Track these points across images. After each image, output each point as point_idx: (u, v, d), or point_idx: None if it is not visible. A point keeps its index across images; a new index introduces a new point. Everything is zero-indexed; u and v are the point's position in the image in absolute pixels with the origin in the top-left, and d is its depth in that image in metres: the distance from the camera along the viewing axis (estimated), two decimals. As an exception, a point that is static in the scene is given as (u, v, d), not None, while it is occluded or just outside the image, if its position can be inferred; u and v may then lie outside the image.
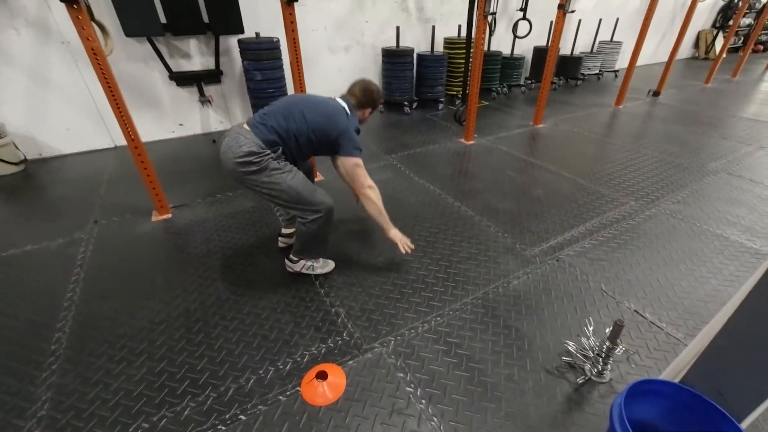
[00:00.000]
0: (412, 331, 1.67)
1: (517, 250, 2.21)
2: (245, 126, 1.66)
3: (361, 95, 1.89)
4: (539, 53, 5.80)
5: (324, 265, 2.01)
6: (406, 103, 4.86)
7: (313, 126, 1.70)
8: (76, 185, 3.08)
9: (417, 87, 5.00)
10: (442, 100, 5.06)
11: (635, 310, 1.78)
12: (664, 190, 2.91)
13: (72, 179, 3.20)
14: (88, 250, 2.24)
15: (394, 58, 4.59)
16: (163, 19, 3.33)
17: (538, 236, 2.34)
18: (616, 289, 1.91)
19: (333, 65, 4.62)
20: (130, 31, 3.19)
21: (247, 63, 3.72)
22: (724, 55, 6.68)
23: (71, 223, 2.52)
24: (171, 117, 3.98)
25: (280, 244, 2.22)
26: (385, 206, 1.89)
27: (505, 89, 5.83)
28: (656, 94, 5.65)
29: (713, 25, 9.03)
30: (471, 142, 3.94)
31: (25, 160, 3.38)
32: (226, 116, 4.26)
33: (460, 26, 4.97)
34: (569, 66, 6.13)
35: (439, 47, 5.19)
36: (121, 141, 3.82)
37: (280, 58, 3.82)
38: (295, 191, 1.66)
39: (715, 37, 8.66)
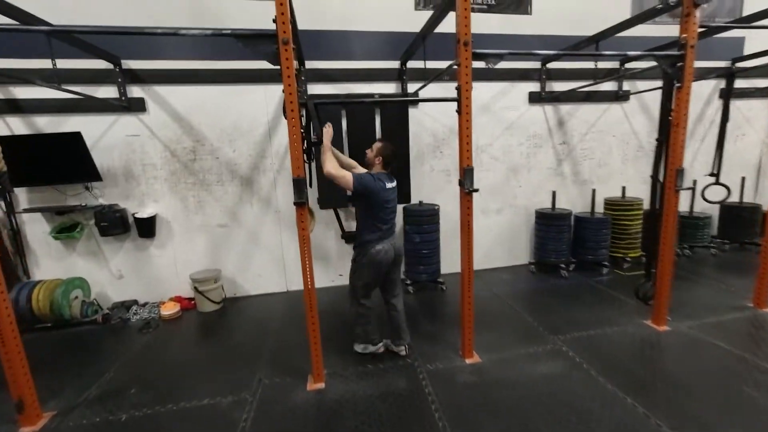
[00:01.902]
0: None
1: None
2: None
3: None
4: (730, 210, 4.85)
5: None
6: (562, 265, 4.41)
7: None
8: (255, 329, 3.50)
9: (574, 248, 4.56)
10: (606, 264, 4.42)
11: None
12: None
13: (253, 320, 3.69)
14: (249, 417, 2.29)
15: (549, 221, 4.42)
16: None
17: None
18: None
19: (484, 225, 4.70)
20: (323, 205, 3.98)
21: (409, 227, 4.08)
22: None
23: (242, 376, 2.72)
24: (334, 268, 4.49)
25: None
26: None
27: (687, 251, 4.82)
28: None
29: None
30: (664, 329, 3.09)
31: (224, 299, 4.15)
32: (378, 269, 4.58)
33: (624, 188, 4.63)
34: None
35: (598, 206, 4.84)
36: (293, 287, 4.41)
37: (438, 223, 4.09)
38: None
39: None
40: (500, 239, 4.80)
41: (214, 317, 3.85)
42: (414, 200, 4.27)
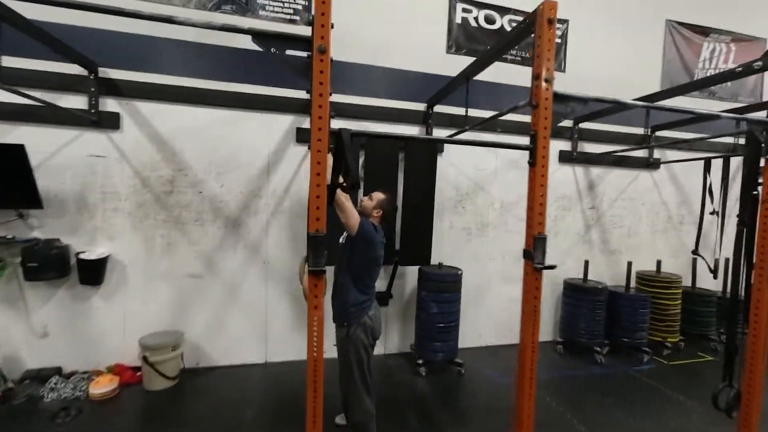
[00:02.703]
0: None
1: None
2: None
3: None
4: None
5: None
6: (597, 348, 3.76)
7: None
8: (221, 419, 2.57)
9: (608, 328, 3.96)
10: (647, 350, 3.82)
11: None
12: None
13: (219, 403, 2.75)
14: None
15: (581, 294, 3.85)
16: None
17: None
18: None
19: (504, 296, 4.07)
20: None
21: (425, 293, 3.38)
22: None
23: None
24: (329, 335, 3.64)
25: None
26: None
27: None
28: None
29: None
30: (755, 452, 2.43)
31: (183, 370, 3.18)
32: (382, 340, 3.78)
33: (659, 261, 4.19)
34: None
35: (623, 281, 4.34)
36: (274, 357, 3.51)
37: (459, 291, 3.43)
38: None
39: None
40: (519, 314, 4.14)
41: (166, 399, 2.88)
42: (431, 261, 3.62)
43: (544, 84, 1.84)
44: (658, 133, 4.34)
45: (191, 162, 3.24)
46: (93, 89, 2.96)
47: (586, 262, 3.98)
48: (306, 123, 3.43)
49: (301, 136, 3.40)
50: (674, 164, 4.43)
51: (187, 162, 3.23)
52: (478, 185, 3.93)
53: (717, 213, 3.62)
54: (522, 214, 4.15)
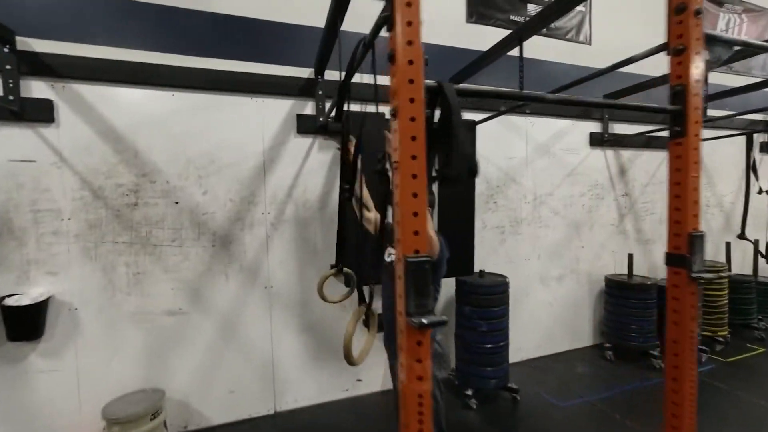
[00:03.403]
0: None
1: None
2: None
3: None
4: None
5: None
6: (653, 351, 3.36)
7: None
8: None
9: (659, 328, 3.57)
10: (704, 348, 3.46)
11: None
12: None
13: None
14: None
15: (628, 292, 3.43)
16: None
17: None
18: None
19: (543, 298, 3.58)
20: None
21: (470, 309, 2.79)
22: None
23: None
24: (351, 371, 2.96)
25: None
26: None
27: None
28: None
29: None
30: None
31: (167, 443, 2.38)
32: (412, 367, 3.15)
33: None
34: None
35: (661, 272, 4.01)
36: (285, 405, 2.79)
37: (507, 303, 2.87)
38: None
39: None
40: (562, 315, 3.68)
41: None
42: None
43: (693, 18, 1.30)
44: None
45: (161, 164, 2.44)
46: (9, 67, 2.11)
47: (630, 256, 3.57)
48: (308, 108, 2.73)
49: (304, 125, 2.70)
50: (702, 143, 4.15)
51: (155, 164, 2.43)
52: (509, 176, 3.40)
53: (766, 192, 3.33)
54: (556, 206, 3.71)
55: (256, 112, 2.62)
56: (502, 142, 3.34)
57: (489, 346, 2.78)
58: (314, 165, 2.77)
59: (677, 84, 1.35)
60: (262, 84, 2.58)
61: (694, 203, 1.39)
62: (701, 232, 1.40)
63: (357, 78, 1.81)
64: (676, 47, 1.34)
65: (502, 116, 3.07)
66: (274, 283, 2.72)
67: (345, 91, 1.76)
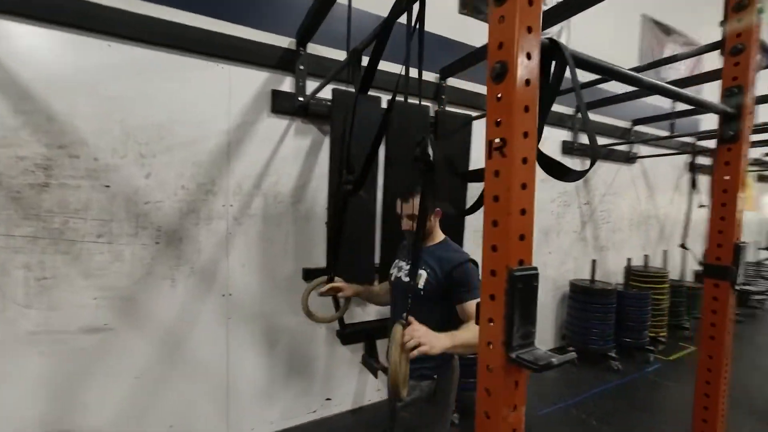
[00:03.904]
0: None
1: None
2: None
3: None
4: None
5: None
6: (612, 353, 3.51)
7: None
8: None
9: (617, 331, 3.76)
10: (650, 347, 3.71)
11: None
12: None
13: None
14: None
15: (590, 297, 3.55)
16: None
17: None
18: None
19: (515, 304, 3.54)
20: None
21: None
22: None
23: None
24: (319, 389, 2.60)
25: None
26: None
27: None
28: None
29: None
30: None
31: (82, 503, 1.80)
32: (383, 380, 2.88)
33: (647, 256, 4.18)
34: None
35: (612, 278, 4.27)
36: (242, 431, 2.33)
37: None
38: None
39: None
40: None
41: None
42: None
43: (755, 17, 1.23)
44: (636, 128, 4.36)
45: (87, 135, 1.86)
46: None
47: (594, 262, 3.71)
48: (286, 85, 2.32)
49: (280, 103, 2.28)
50: (645, 159, 4.51)
51: (78, 134, 1.84)
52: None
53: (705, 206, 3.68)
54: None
55: (222, 81, 2.13)
56: (475, 143, 3.23)
57: (471, 356, 2.61)
58: (289, 152, 2.36)
59: (733, 86, 1.27)
60: (234, 48, 2.12)
61: (739, 212, 1.32)
62: (745, 242, 1.34)
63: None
64: (734, 46, 1.26)
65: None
66: (234, 290, 2.25)
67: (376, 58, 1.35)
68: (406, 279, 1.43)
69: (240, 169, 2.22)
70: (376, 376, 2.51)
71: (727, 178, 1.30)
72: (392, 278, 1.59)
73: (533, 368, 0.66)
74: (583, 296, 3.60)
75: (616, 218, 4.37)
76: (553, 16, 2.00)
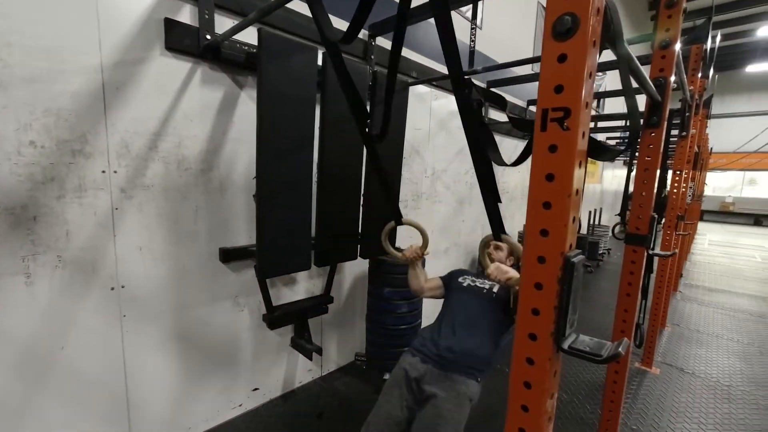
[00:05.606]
0: None
1: None
2: None
3: None
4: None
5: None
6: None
7: None
8: None
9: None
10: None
11: None
12: None
13: None
14: None
15: (495, 259, 3.98)
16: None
17: None
18: None
19: (432, 272, 3.73)
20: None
21: (389, 290, 2.57)
22: None
23: None
24: (245, 380, 2.32)
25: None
26: None
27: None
28: None
29: None
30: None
31: None
32: (317, 360, 2.75)
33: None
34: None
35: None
36: (148, 452, 1.94)
37: (423, 279, 2.79)
38: None
39: None
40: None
41: None
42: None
43: (681, 16, 1.36)
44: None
45: None
46: None
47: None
48: (185, 15, 1.78)
49: (177, 38, 1.75)
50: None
51: None
52: (414, 148, 3.28)
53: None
54: (448, 182, 3.86)
55: (89, -3, 1.51)
56: (411, 112, 3.16)
57: (403, 327, 2.67)
58: (195, 106, 1.87)
59: (659, 77, 1.42)
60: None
61: (656, 189, 1.54)
62: (655, 215, 1.57)
63: None
64: (663, 41, 1.39)
65: (413, 86, 2.89)
66: (127, 281, 1.76)
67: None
68: (482, 286, 1.82)
69: (124, 124, 1.67)
70: (310, 357, 2.36)
71: (648, 158, 1.47)
72: (464, 284, 1.91)
73: (596, 360, 0.62)
74: (489, 259, 4.00)
75: (516, 189, 4.92)
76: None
